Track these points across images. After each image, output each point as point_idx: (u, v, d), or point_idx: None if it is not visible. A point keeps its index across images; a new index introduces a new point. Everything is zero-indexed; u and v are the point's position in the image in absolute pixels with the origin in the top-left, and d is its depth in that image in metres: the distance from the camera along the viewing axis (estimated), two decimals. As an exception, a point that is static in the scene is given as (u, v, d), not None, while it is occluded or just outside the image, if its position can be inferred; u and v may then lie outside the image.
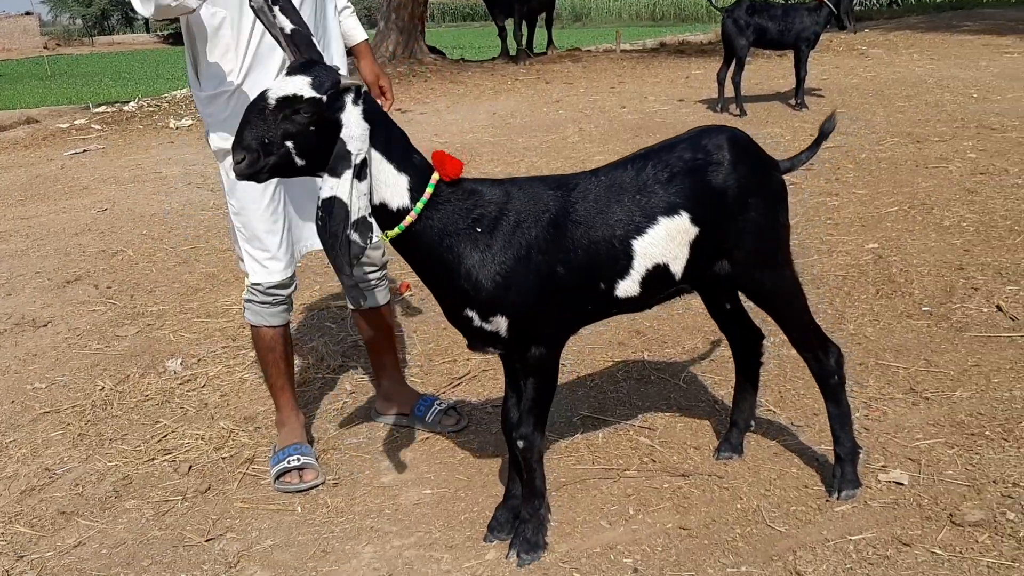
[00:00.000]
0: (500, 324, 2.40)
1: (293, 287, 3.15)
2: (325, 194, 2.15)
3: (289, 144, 2.18)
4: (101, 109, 13.24)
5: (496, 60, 15.77)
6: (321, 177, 2.20)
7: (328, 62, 2.45)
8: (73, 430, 3.66)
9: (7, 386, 4.13)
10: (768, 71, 12.14)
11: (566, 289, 2.42)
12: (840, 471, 2.76)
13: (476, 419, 3.49)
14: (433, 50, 15.77)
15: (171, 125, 11.35)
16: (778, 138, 8.00)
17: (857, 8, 13.37)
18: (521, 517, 2.62)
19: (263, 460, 3.29)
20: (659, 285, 2.53)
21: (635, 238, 2.44)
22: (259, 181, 2.25)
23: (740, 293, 2.81)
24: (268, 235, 3.02)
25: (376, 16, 16.09)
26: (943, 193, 5.95)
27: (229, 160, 2.92)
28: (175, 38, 48.04)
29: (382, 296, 3.36)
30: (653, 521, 2.71)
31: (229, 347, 4.38)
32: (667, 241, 2.46)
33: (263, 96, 2.18)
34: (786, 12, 9.02)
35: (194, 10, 2.74)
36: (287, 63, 2.75)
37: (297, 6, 2.64)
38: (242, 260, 3.12)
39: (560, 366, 2.58)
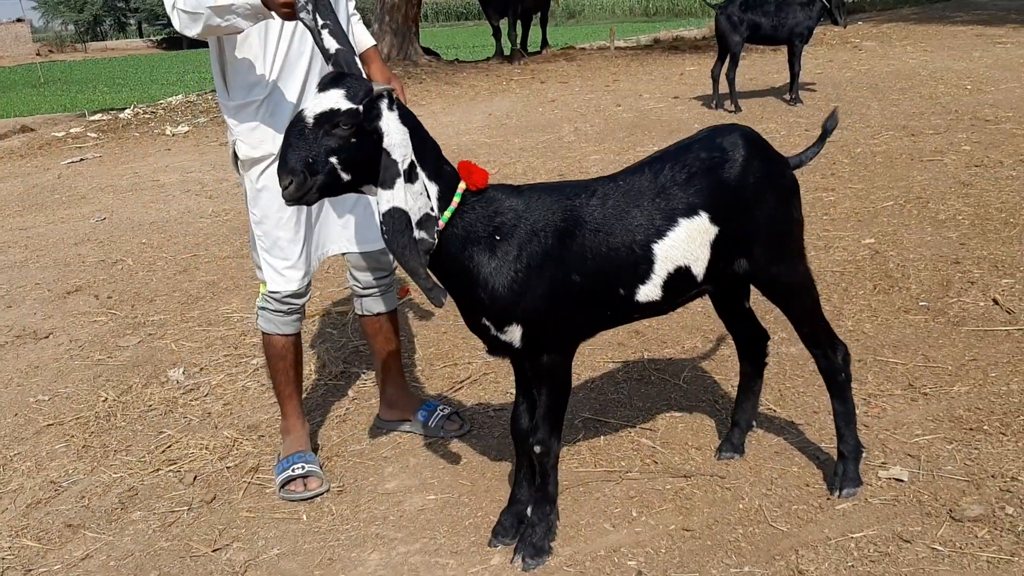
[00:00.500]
0: (515, 333, 2.43)
1: (307, 296, 3.19)
2: (384, 207, 2.20)
3: (333, 160, 2.19)
4: (97, 117, 13.24)
5: (491, 60, 15.79)
6: (364, 192, 2.27)
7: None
8: (77, 442, 3.67)
9: (10, 399, 4.15)
10: (762, 66, 12.16)
11: (583, 296, 2.45)
12: (842, 469, 2.78)
13: (478, 423, 3.51)
14: (428, 51, 15.79)
15: (167, 132, 11.35)
16: (773, 133, 8.02)
17: (849, 0, 13.38)
18: (529, 521, 2.64)
19: (267, 469, 3.31)
20: (681, 288, 2.55)
21: (656, 242, 2.46)
22: (309, 203, 2.27)
23: (751, 290, 2.83)
24: (289, 244, 3.05)
25: (370, 19, 16.09)
26: (938, 186, 5.98)
27: (255, 169, 2.98)
28: (169, 43, 48.08)
29: (389, 302, 3.38)
30: (656, 523, 2.73)
31: (231, 355, 4.40)
32: (688, 242, 2.49)
33: (300, 117, 2.19)
34: (779, 7, 9.04)
35: (243, 31, 2.78)
36: (312, 72, 2.74)
37: None
38: (259, 268, 3.14)
39: None
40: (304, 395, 3.86)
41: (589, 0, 44.47)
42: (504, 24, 15.70)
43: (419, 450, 3.35)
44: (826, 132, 2.82)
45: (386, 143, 2.20)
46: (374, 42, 3.36)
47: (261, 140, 2.95)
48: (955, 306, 4.12)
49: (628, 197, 2.48)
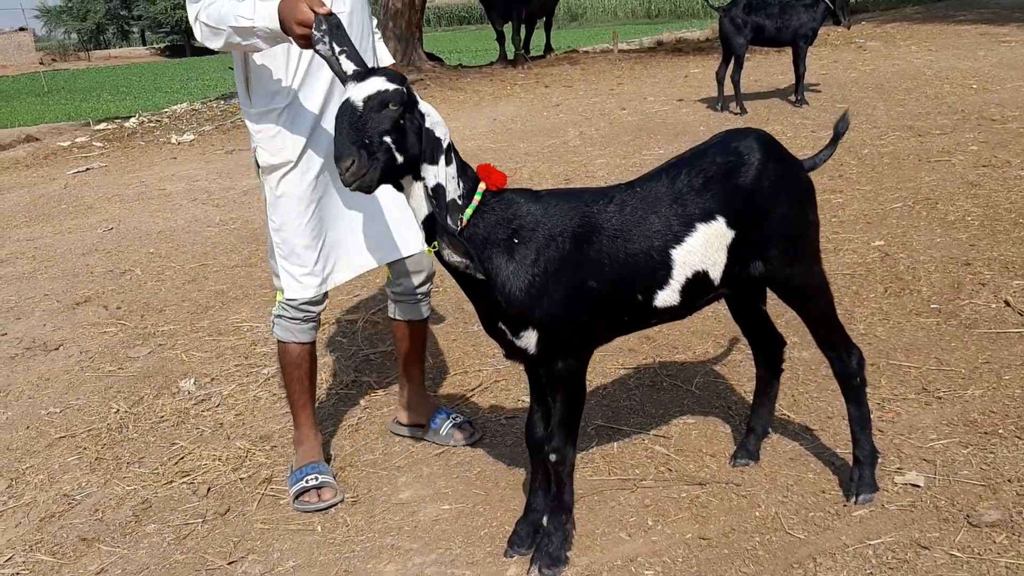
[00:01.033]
0: (530, 338, 2.43)
1: (323, 305, 3.19)
2: (432, 182, 2.28)
3: (388, 140, 2.20)
4: (102, 126, 13.27)
5: (494, 65, 15.80)
6: (401, 185, 2.33)
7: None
8: (90, 454, 3.67)
9: (21, 411, 4.15)
10: (767, 68, 12.15)
11: (600, 302, 2.45)
12: (858, 475, 2.77)
13: (490, 431, 3.50)
14: (431, 57, 15.80)
15: (173, 140, 11.38)
16: (779, 135, 7.97)
17: (852, 0, 13.36)
18: (545, 530, 2.63)
19: (281, 480, 3.30)
20: (699, 292, 2.56)
21: (674, 247, 2.47)
22: (370, 189, 2.23)
23: (767, 295, 2.83)
24: (306, 251, 3.06)
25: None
26: (947, 187, 5.96)
27: (274, 176, 3.01)
28: (172, 51, 48.22)
29: (425, 309, 3.43)
30: (672, 532, 2.72)
31: (241, 365, 4.40)
32: (705, 247, 2.49)
33: (348, 103, 2.20)
34: (783, 9, 9.03)
35: (262, 51, 2.84)
36: (335, 83, 2.85)
37: (349, 23, 2.81)
38: (277, 276, 3.15)
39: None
40: (316, 404, 3.87)
41: (591, 2, 44.49)
42: (508, 28, 15.70)
43: (432, 459, 3.34)
44: (838, 134, 2.83)
45: (428, 123, 2.28)
46: (393, 60, 3.43)
47: (281, 147, 2.97)
48: (967, 308, 4.10)
49: (646, 203, 2.49)
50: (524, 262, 2.38)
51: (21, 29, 49.43)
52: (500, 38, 16.13)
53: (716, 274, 2.55)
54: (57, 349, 4.86)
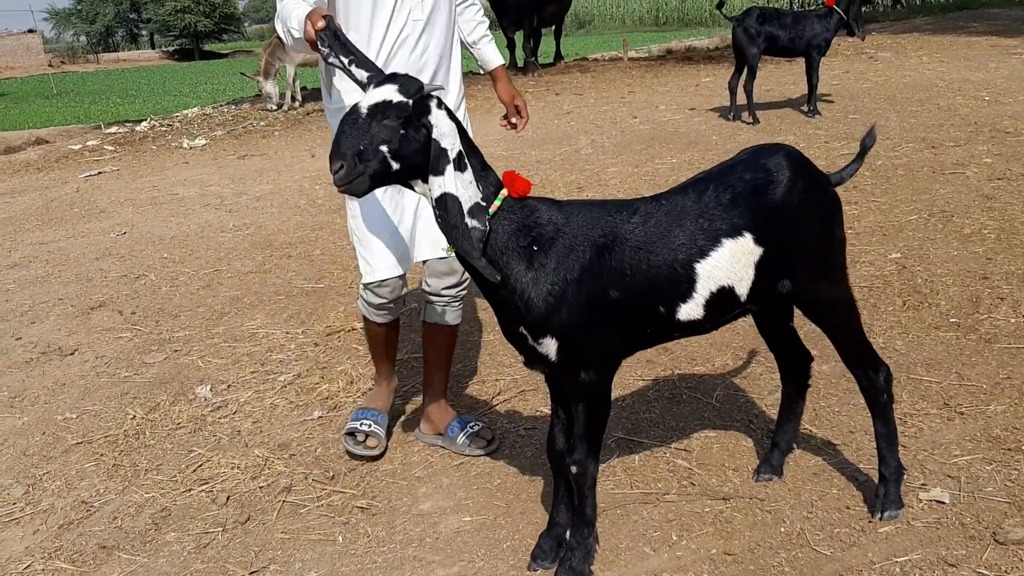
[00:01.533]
0: (550, 346, 2.43)
1: (398, 292, 3.31)
2: (436, 192, 2.31)
3: (383, 148, 2.28)
4: (113, 129, 13.30)
5: (504, 71, 15.79)
6: (414, 188, 2.39)
7: (448, 82, 3.17)
8: (107, 461, 3.67)
9: (37, 416, 4.15)
10: (778, 78, 12.14)
11: (621, 313, 2.44)
12: (884, 491, 2.75)
13: (510, 442, 3.49)
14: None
15: (185, 145, 11.39)
16: (793, 145, 7.96)
17: (863, 10, 13.34)
18: (568, 544, 2.62)
19: (300, 489, 3.30)
20: (723, 307, 2.55)
21: (698, 261, 2.46)
22: (359, 192, 2.33)
23: (794, 309, 2.82)
24: (377, 237, 3.20)
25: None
26: (962, 200, 5.95)
27: None
28: (181, 54, 48.32)
29: (454, 316, 3.47)
30: (697, 547, 2.71)
31: (258, 372, 4.39)
32: (732, 263, 2.48)
33: (355, 108, 2.30)
34: (796, 19, 9.03)
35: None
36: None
37: (426, 28, 3.08)
38: (358, 261, 3.33)
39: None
40: (331, 413, 3.88)
41: (599, 9, 44.51)
42: (519, 36, 15.72)
43: (452, 470, 3.33)
44: (865, 148, 2.82)
45: (435, 134, 2.30)
46: (502, 61, 3.52)
47: None
48: (986, 323, 4.09)
49: (671, 216, 2.48)
50: (544, 269, 2.38)
51: (30, 31, 49.43)
52: (511, 45, 16.14)
53: (742, 290, 2.54)
54: (72, 354, 4.86)
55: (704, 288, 2.48)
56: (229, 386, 4.27)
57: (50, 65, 44.80)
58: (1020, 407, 3.34)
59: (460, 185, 2.31)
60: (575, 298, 2.38)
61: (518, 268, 2.39)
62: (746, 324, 3.34)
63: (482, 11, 3.54)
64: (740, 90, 9.28)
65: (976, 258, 4.88)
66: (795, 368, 2.99)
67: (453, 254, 2.44)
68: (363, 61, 2.52)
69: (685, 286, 2.47)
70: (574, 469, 2.56)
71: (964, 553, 2.57)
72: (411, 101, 2.27)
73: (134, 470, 3.58)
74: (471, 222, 2.32)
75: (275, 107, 14.15)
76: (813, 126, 8.80)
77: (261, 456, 3.56)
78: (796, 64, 12.49)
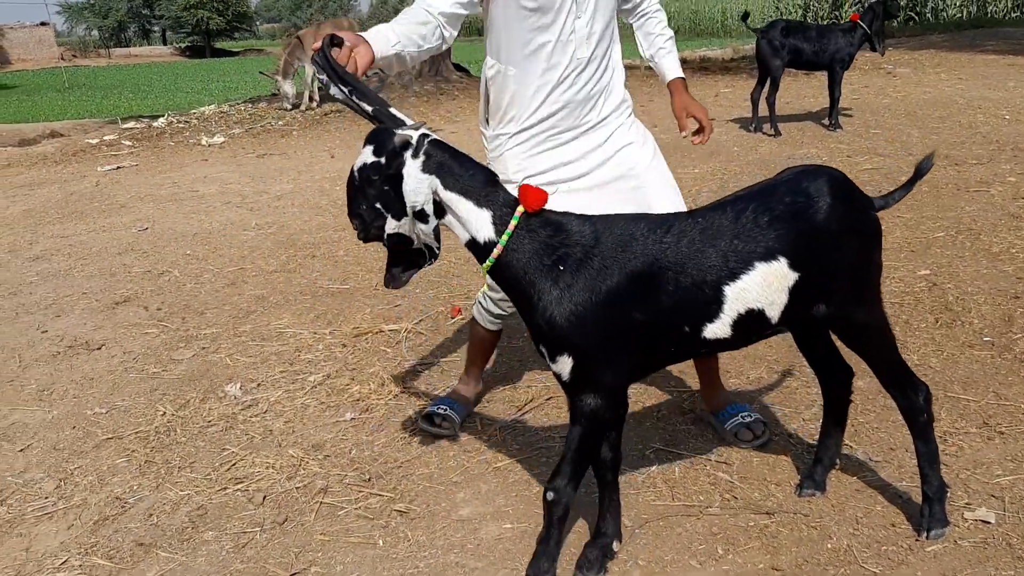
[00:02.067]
0: (565, 365, 2.42)
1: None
2: (389, 230, 2.44)
3: (378, 205, 2.41)
4: (130, 125, 13.31)
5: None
6: (444, 224, 2.48)
7: (606, 94, 3.16)
8: (139, 457, 3.66)
9: (67, 411, 4.14)
10: (798, 90, 12.14)
11: (643, 333, 2.42)
12: (928, 510, 2.73)
13: (544, 449, 3.48)
14: (458, 68, 15.83)
15: (203, 142, 11.39)
16: (814, 159, 7.99)
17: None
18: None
19: (337, 491, 3.28)
20: (753, 329, 2.52)
21: (727, 283, 2.42)
22: (381, 240, 2.49)
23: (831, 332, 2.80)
24: None
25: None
26: (988, 218, 5.94)
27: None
28: (192, 51, 48.41)
29: (492, 323, 3.64)
30: (744, 561, 2.69)
31: (287, 372, 4.38)
32: (764, 286, 2.44)
33: (351, 171, 2.43)
34: (821, 33, 9.03)
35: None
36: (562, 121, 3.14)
37: (589, 63, 3.06)
38: None
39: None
40: (363, 415, 3.86)
41: (611, 18, 44.46)
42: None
43: (489, 475, 3.32)
44: (919, 173, 2.75)
45: (404, 187, 2.38)
46: (680, 75, 3.43)
47: (503, 169, 3.15)
48: (1020, 343, 4.08)
49: (706, 235, 2.44)
50: (570, 289, 2.37)
51: (43, 24, 49.60)
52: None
53: (774, 313, 2.50)
54: (99, 349, 4.85)
55: (732, 309, 2.44)
56: (259, 385, 4.26)
57: (61, 58, 44.96)
58: (1060, 428, 3.32)
59: (419, 232, 2.44)
60: (598, 319, 2.36)
61: (542, 287, 2.39)
62: (780, 337, 3.33)
63: (665, 21, 3.42)
64: (762, 102, 9.27)
65: (1006, 277, 4.86)
66: (835, 383, 2.96)
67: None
68: (364, 92, 2.50)
69: (713, 307, 2.44)
70: (549, 496, 2.50)
71: (1012, 574, 2.55)
72: (383, 160, 2.36)
73: (167, 467, 3.56)
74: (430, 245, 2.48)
75: (291, 107, 14.16)
76: (835, 140, 8.80)
77: (295, 456, 3.55)
78: (814, 77, 12.50)
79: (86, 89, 25.92)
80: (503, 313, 3.50)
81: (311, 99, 14.47)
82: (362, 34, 2.80)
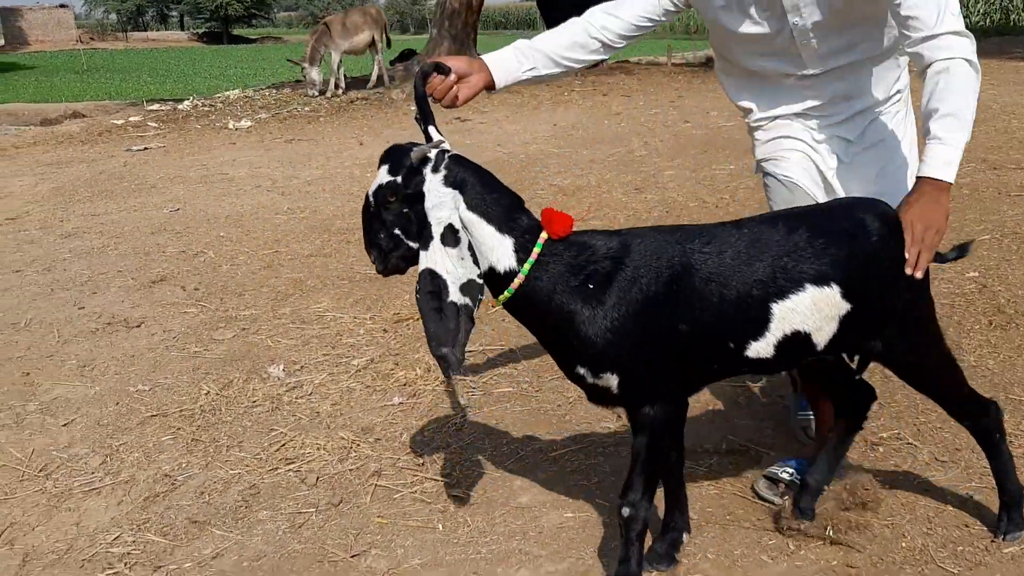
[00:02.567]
0: (611, 380, 2.31)
1: None
2: (420, 266, 2.21)
3: (397, 231, 2.26)
4: (155, 107, 13.29)
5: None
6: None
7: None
8: (185, 435, 3.62)
9: (109, 387, 4.10)
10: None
11: (688, 347, 2.30)
12: (1006, 515, 2.67)
13: (602, 444, 3.42)
14: (482, 58, 15.78)
15: (230, 126, 11.37)
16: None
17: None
18: None
19: (391, 474, 3.24)
20: (797, 353, 2.39)
21: (775, 301, 2.30)
22: (401, 272, 2.33)
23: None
24: None
25: (430, 24, 16.10)
26: (1032, 222, 5.87)
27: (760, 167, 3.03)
28: (210, 37, 48.42)
29: None
30: (816, 558, 2.63)
31: (329, 355, 4.34)
32: (813, 310, 2.32)
33: (365, 196, 2.28)
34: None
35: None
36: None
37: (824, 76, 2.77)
38: None
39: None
40: (411, 400, 3.82)
41: (630, 16, 44.36)
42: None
43: (546, 464, 3.27)
44: (963, 252, 2.65)
45: (426, 204, 2.20)
46: (935, 175, 2.48)
47: (762, 151, 2.98)
48: (1077, 347, 4.02)
49: (753, 247, 2.32)
50: (602, 305, 2.24)
51: (62, 6, 49.69)
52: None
53: (820, 340, 2.36)
54: (139, 326, 4.81)
55: (778, 329, 2.32)
56: (302, 367, 4.22)
57: (79, 41, 44.96)
58: (1126, 434, 3.26)
59: (449, 261, 2.19)
60: (637, 332, 2.25)
61: (573, 308, 2.24)
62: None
63: (949, 73, 2.54)
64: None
65: (1056, 281, 4.80)
66: (853, 403, 2.72)
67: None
68: (427, 117, 2.30)
69: (759, 324, 2.31)
70: (626, 512, 2.38)
71: (1092, 579, 2.50)
72: (399, 179, 2.20)
73: (215, 446, 3.52)
74: (462, 299, 2.19)
75: (317, 93, 14.13)
76: (869, 141, 8.72)
77: (346, 439, 3.50)
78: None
79: (104, 71, 25.94)
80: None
81: (336, 86, 14.43)
82: (484, 57, 2.57)
